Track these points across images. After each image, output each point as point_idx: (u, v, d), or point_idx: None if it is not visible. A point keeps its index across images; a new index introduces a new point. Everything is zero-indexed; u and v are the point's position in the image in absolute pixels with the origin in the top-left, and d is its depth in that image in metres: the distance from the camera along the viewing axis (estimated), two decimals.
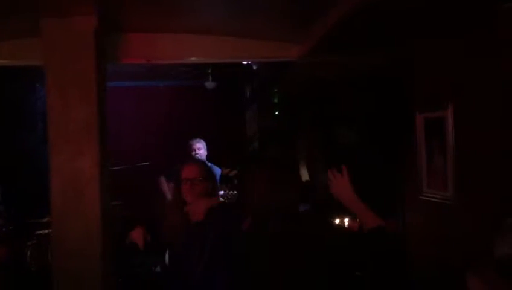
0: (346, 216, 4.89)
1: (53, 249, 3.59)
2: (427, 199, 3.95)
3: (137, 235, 2.72)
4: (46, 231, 4.93)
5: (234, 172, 5.53)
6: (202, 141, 5.48)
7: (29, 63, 3.84)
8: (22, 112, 6.34)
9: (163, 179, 5.55)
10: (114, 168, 5.83)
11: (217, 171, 5.38)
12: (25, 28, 3.61)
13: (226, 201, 5.15)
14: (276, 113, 8.97)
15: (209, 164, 5.38)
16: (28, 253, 5.31)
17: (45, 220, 4.96)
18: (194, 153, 5.40)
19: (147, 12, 3.71)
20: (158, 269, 5.01)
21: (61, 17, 3.48)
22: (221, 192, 5.20)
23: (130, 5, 3.48)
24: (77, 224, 3.49)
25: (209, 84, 7.14)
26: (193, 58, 4.40)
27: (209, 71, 6.96)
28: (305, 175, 8.45)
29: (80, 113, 3.49)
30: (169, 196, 5.15)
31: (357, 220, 4.74)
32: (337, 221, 4.82)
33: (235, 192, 5.12)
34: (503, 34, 2.83)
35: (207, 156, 5.48)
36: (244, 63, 5.38)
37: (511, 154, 2.84)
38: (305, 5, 3.26)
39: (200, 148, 5.43)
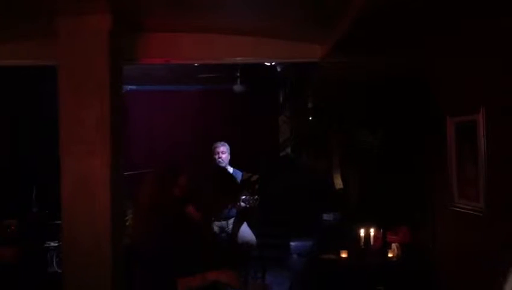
0: (373, 226, 4.66)
1: (63, 253, 3.53)
2: (459, 210, 3.67)
3: None
4: None
5: (255, 177, 5.37)
6: (226, 144, 5.35)
7: (44, 63, 3.82)
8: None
9: None
10: (141, 171, 5.83)
11: (238, 174, 5.24)
12: (40, 28, 3.60)
13: (248, 206, 5.01)
14: (310, 118, 8.78)
15: (231, 168, 5.29)
16: (54, 254, 5.36)
17: None
18: (217, 156, 5.27)
19: (165, 11, 3.62)
20: None
21: (75, 16, 3.43)
22: (243, 197, 5.05)
23: (147, 4, 3.40)
24: (87, 226, 3.42)
25: (237, 87, 7.03)
26: (214, 59, 4.28)
27: (238, 74, 6.84)
28: (338, 183, 8.21)
29: (92, 114, 3.42)
30: None
31: (381, 231, 4.50)
32: (362, 231, 4.59)
33: (256, 197, 4.96)
34: None
35: (230, 160, 5.35)
36: (267, 64, 5.22)
37: None
38: (325, 3, 3.08)
39: (224, 152, 5.30)
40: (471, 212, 3.46)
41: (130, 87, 7.99)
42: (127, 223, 4.14)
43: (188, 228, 2.41)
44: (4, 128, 5.94)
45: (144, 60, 4.07)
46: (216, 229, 5.15)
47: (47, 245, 5.33)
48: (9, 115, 5.91)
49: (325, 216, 6.60)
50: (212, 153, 5.29)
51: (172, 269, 2.26)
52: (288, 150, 9.16)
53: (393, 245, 4.43)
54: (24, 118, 5.98)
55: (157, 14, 3.66)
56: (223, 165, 5.24)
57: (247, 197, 5.02)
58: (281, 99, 9.01)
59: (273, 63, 5.42)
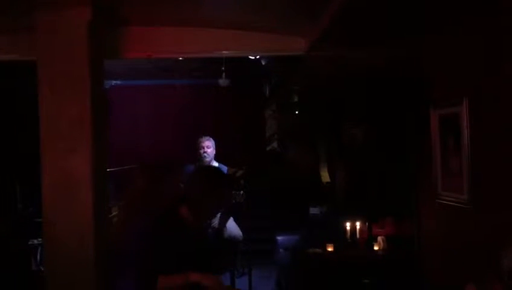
0: (359, 220, 4.66)
1: (45, 251, 3.46)
2: (443, 202, 3.67)
3: None
4: None
5: (240, 172, 5.32)
6: (211, 139, 5.28)
7: (23, 58, 3.73)
8: None
9: None
10: (126, 167, 5.78)
11: (223, 169, 5.20)
12: (19, 23, 3.51)
13: (234, 201, 4.97)
14: (297, 112, 8.75)
15: (216, 163, 5.24)
16: (38, 252, 5.30)
17: None
18: (202, 150, 5.21)
19: (147, 4, 3.56)
20: None
21: (54, 9, 3.36)
22: None
23: None
24: (70, 225, 3.35)
25: (223, 81, 6.97)
26: (198, 53, 4.24)
27: (223, 68, 6.79)
28: (325, 176, 8.21)
29: (72, 109, 3.35)
30: None
31: (366, 224, 4.51)
32: (348, 225, 4.59)
33: (242, 192, 4.92)
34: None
35: (215, 154, 5.29)
36: (252, 57, 5.17)
37: None
38: None
39: (209, 147, 5.23)
40: (456, 204, 3.45)
41: (114, 82, 7.90)
42: (114, 220, 4.10)
43: (179, 227, 2.36)
44: None
45: (126, 54, 4.01)
46: None
47: (31, 243, 5.26)
48: None
49: (312, 210, 6.61)
50: (197, 147, 5.23)
51: (155, 266, 2.22)
52: (275, 144, 9.14)
53: (379, 238, 4.43)
54: (6, 114, 5.87)
55: (139, 7, 3.60)
56: (208, 159, 5.20)
57: (233, 192, 4.98)
58: (267, 93, 8.98)
59: (257, 57, 5.38)
